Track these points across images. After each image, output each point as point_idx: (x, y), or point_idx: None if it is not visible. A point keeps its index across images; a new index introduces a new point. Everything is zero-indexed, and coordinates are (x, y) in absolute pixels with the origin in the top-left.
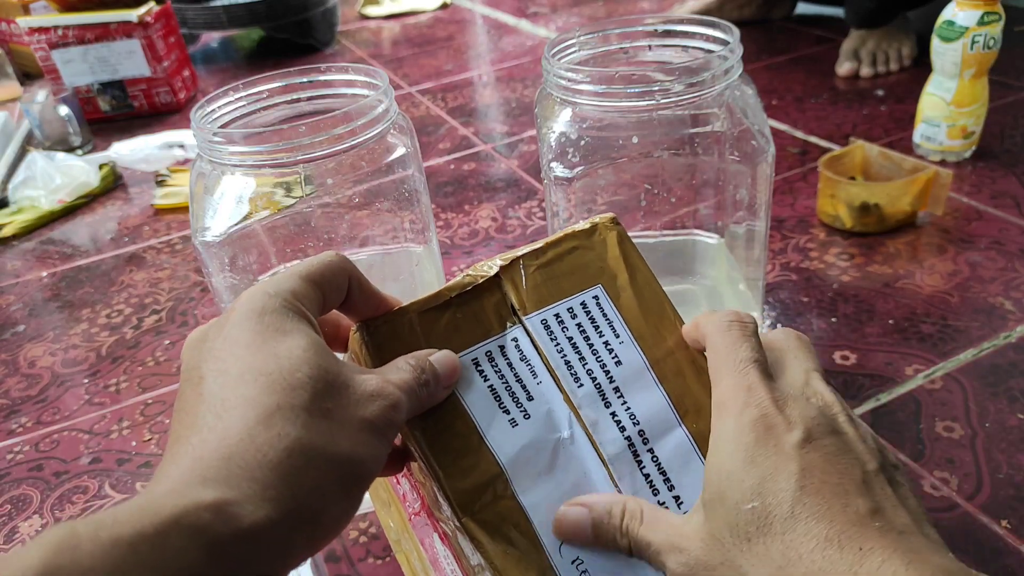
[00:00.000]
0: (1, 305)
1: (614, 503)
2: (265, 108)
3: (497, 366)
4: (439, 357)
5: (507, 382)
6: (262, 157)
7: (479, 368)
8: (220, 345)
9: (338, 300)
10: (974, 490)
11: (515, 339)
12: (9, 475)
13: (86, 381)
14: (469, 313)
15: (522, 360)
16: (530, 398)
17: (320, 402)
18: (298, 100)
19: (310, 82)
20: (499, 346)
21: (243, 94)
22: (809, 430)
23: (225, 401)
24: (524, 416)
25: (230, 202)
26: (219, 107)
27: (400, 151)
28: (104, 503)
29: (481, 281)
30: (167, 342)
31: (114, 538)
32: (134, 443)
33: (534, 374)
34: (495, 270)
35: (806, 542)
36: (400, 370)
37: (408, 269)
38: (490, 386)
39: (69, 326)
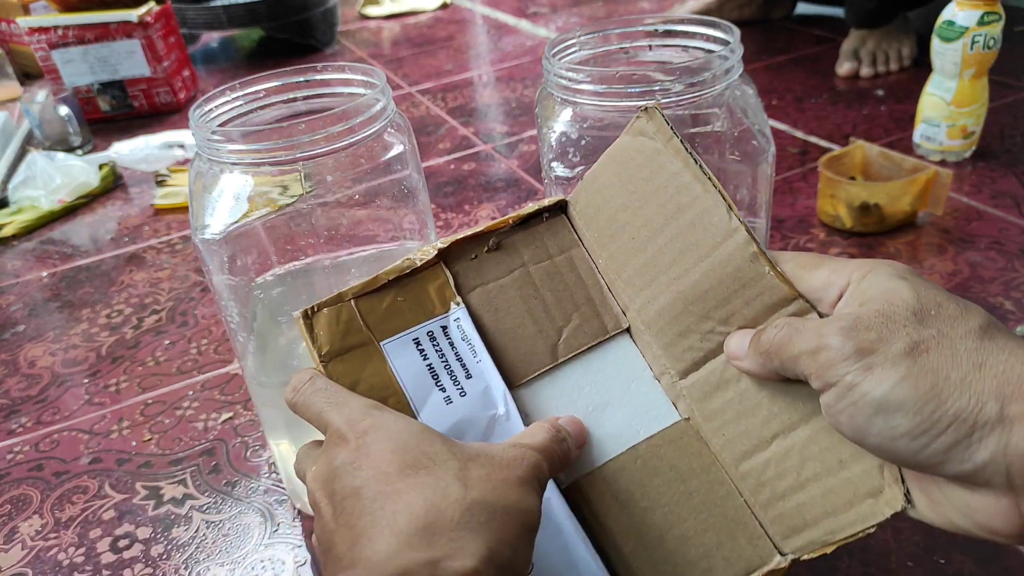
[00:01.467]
0: (1, 305)
1: (777, 323)
2: (262, 107)
3: (438, 345)
4: (566, 420)
5: (447, 361)
6: (260, 155)
7: (420, 347)
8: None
9: None
10: None
11: (457, 319)
12: (9, 475)
13: (86, 381)
14: (412, 295)
15: (463, 339)
16: (468, 376)
17: (474, 469)
18: (295, 100)
19: (307, 81)
20: (441, 326)
21: (240, 93)
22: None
23: (391, 490)
24: (460, 394)
25: (229, 200)
26: (217, 106)
27: (398, 149)
28: (104, 503)
29: (420, 264)
30: (167, 342)
31: None
32: (134, 443)
33: (474, 353)
34: (433, 253)
35: (999, 342)
36: (534, 435)
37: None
38: (428, 365)
39: (69, 326)
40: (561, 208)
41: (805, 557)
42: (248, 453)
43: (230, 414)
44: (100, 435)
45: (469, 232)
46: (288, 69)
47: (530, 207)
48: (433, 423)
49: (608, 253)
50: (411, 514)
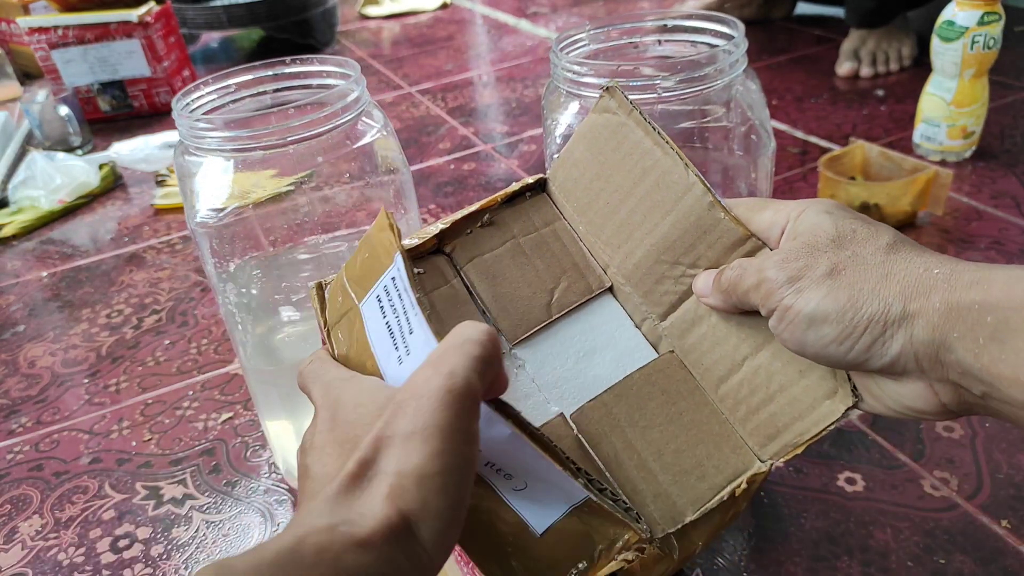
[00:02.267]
0: (1, 305)
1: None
2: (236, 100)
3: (392, 301)
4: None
5: (397, 316)
6: (243, 142)
7: (380, 305)
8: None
9: None
10: (974, 490)
11: (398, 269)
12: (9, 475)
13: (86, 381)
14: (372, 252)
15: (403, 293)
16: (411, 331)
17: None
18: (264, 93)
19: (275, 75)
20: (391, 278)
21: (217, 86)
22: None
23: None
24: (407, 352)
25: (215, 186)
26: (198, 97)
27: (374, 135)
28: (104, 503)
29: (419, 243)
30: (167, 342)
31: (257, 559)
32: (134, 443)
33: (413, 306)
34: (435, 232)
35: (910, 255)
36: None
37: None
38: (387, 323)
39: (69, 326)
40: (541, 186)
41: (780, 461)
42: (248, 453)
43: (230, 414)
44: (100, 435)
45: (463, 212)
46: (256, 64)
47: (514, 186)
48: (395, 384)
49: (587, 219)
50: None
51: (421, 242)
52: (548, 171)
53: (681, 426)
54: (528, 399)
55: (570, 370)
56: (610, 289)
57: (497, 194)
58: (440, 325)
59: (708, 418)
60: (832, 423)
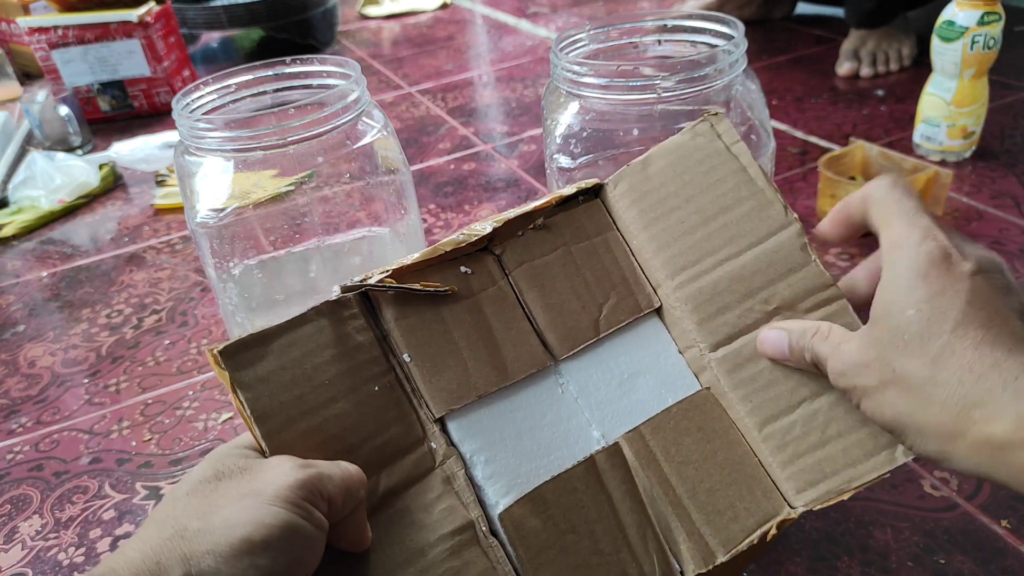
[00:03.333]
0: (1, 305)
1: (808, 327)
2: (236, 100)
3: None
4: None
5: None
6: (243, 142)
7: None
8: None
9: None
10: (974, 490)
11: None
12: (9, 475)
13: (86, 381)
14: None
15: None
16: None
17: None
18: (264, 93)
19: (275, 75)
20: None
21: (217, 86)
22: (980, 264)
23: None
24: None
25: (215, 186)
26: (198, 97)
27: (375, 135)
28: (104, 503)
29: (473, 239)
30: (167, 342)
31: None
32: (134, 443)
33: None
34: (489, 230)
35: (962, 342)
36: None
37: (393, 247)
38: None
39: (69, 326)
40: (595, 191)
41: (819, 506)
42: None
43: (230, 414)
44: (100, 435)
45: (516, 212)
46: (256, 64)
47: (568, 188)
48: None
49: (649, 234)
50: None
51: (469, 242)
52: (610, 177)
53: (716, 465)
54: (571, 419)
55: (613, 392)
56: (657, 310)
57: (551, 196)
58: (487, 326)
59: (741, 459)
60: (885, 473)
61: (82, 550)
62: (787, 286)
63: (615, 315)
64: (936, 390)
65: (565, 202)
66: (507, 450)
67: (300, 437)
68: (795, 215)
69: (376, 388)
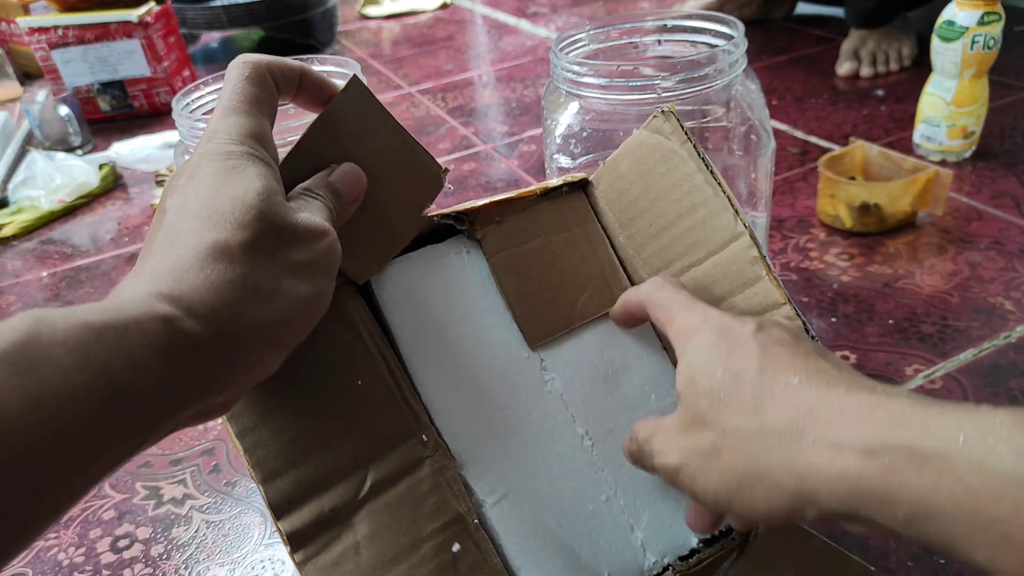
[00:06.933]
0: (1, 305)
1: (636, 431)
2: None
3: None
4: (339, 176)
5: None
6: None
7: None
8: (185, 183)
9: (290, 93)
10: None
11: None
12: None
13: None
14: None
15: None
16: None
17: (266, 243)
18: None
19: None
20: None
21: (217, 86)
22: (760, 323)
23: (180, 232)
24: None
25: None
26: (198, 97)
27: None
28: (104, 503)
29: (437, 221)
30: None
31: (84, 322)
32: None
33: None
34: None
35: (776, 385)
36: (319, 209)
37: None
38: None
39: None
40: (581, 186)
41: None
42: None
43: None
44: None
45: (497, 197)
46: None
47: (555, 181)
48: None
49: (627, 233)
50: (175, 264)
51: (444, 212)
52: (593, 175)
53: None
54: (556, 416)
55: (597, 389)
56: None
57: (535, 186)
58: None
59: None
60: None
61: (82, 550)
62: (743, 300)
63: (589, 307)
64: (772, 434)
65: (550, 192)
66: (494, 448)
67: (277, 432)
68: (746, 224)
69: (360, 382)
